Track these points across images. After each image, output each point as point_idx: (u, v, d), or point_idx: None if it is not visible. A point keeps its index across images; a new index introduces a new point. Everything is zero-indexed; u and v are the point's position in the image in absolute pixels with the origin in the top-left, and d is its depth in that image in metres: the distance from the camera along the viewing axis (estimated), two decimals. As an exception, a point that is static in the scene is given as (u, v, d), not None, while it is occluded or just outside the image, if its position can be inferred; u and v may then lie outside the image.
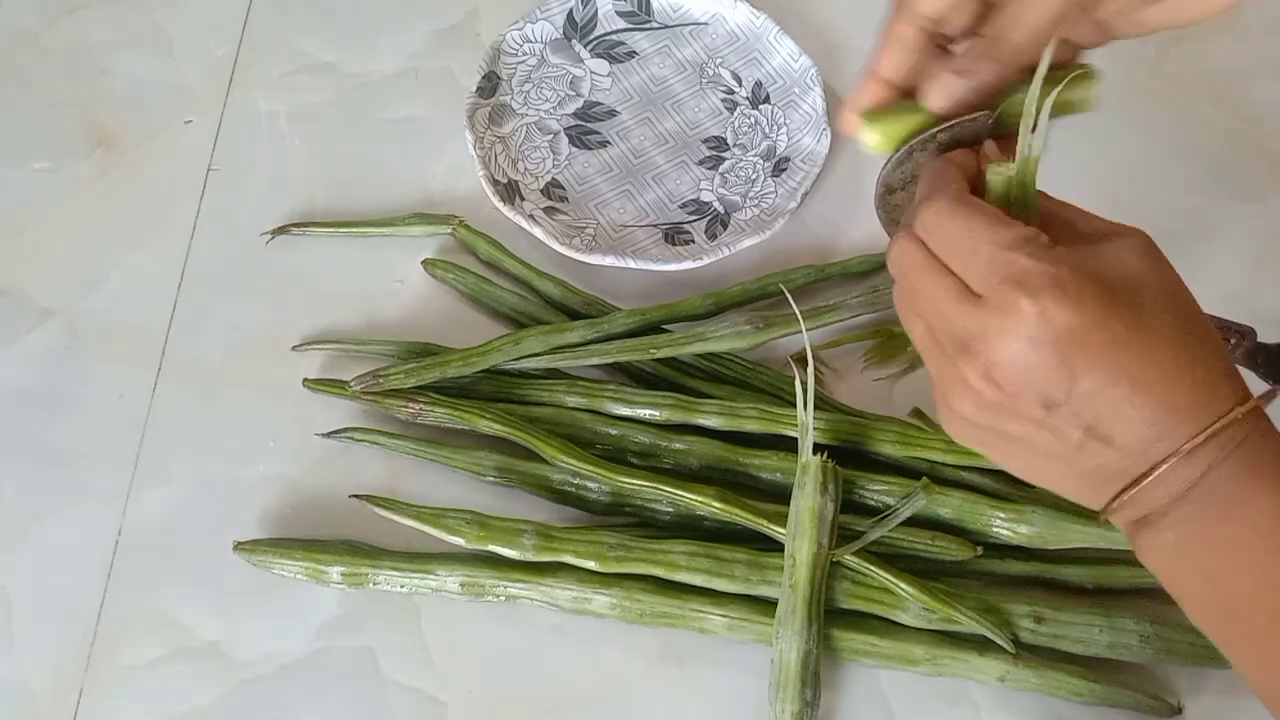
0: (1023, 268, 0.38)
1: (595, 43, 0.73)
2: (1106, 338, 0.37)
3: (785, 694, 0.52)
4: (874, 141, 0.46)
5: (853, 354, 0.63)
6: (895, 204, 0.48)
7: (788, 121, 0.70)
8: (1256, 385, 0.56)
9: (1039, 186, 0.43)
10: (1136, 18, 0.44)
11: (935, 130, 0.44)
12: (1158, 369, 0.38)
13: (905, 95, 0.45)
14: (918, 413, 0.60)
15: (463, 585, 0.55)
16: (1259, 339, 0.56)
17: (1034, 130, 0.41)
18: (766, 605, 0.54)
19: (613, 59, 0.73)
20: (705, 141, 0.70)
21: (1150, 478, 0.39)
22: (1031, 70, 0.43)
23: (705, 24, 0.73)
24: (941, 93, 0.43)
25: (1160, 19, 0.44)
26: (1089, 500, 0.42)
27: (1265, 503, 0.38)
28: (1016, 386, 0.39)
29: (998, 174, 0.42)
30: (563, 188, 0.68)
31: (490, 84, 0.70)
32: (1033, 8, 0.41)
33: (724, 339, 0.60)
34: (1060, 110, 0.44)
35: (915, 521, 0.55)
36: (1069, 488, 0.42)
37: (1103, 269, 0.39)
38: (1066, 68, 0.44)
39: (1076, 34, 0.46)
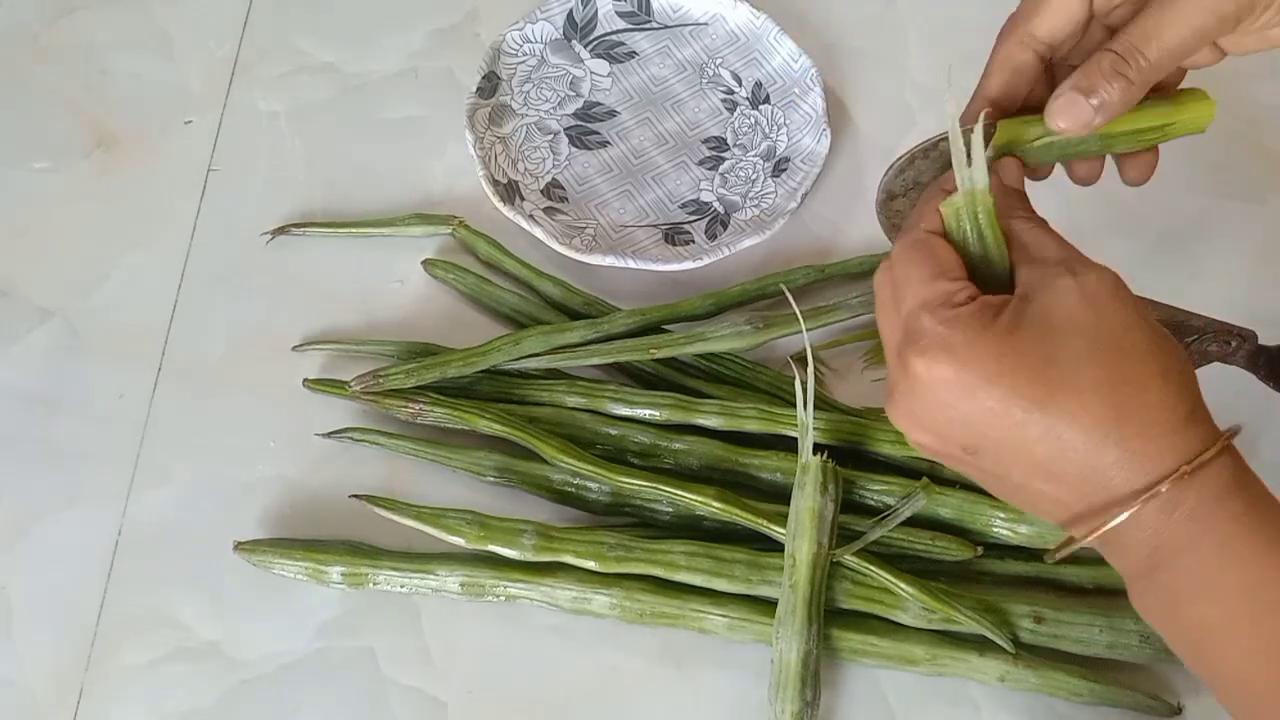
0: (920, 328, 0.39)
1: (595, 43, 0.73)
2: (1003, 392, 0.37)
3: (785, 694, 0.52)
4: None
5: (853, 354, 0.63)
6: (896, 210, 0.48)
7: (788, 122, 0.70)
8: (1256, 390, 0.57)
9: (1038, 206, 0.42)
10: (1266, 33, 0.43)
11: (938, 138, 0.44)
12: (1073, 422, 0.37)
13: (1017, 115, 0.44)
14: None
15: (463, 585, 0.55)
16: (1260, 341, 0.56)
17: (970, 163, 0.40)
18: (766, 605, 0.54)
19: (613, 59, 0.73)
20: (705, 142, 0.70)
21: (1088, 538, 0.38)
22: (1159, 89, 0.41)
23: (705, 24, 0.73)
24: (1068, 115, 0.41)
25: None
26: (1079, 536, 0.41)
27: (1233, 579, 0.37)
28: (935, 435, 0.40)
29: (948, 205, 0.41)
30: (563, 188, 0.68)
31: (490, 84, 0.70)
32: (1174, 23, 0.39)
33: (724, 339, 0.60)
34: (1175, 131, 0.43)
35: (915, 521, 0.55)
36: (1051, 521, 0.41)
37: (1020, 320, 0.38)
38: (1173, 89, 0.43)
39: (1196, 55, 0.44)
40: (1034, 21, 0.43)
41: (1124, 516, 0.37)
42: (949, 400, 0.38)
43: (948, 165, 0.45)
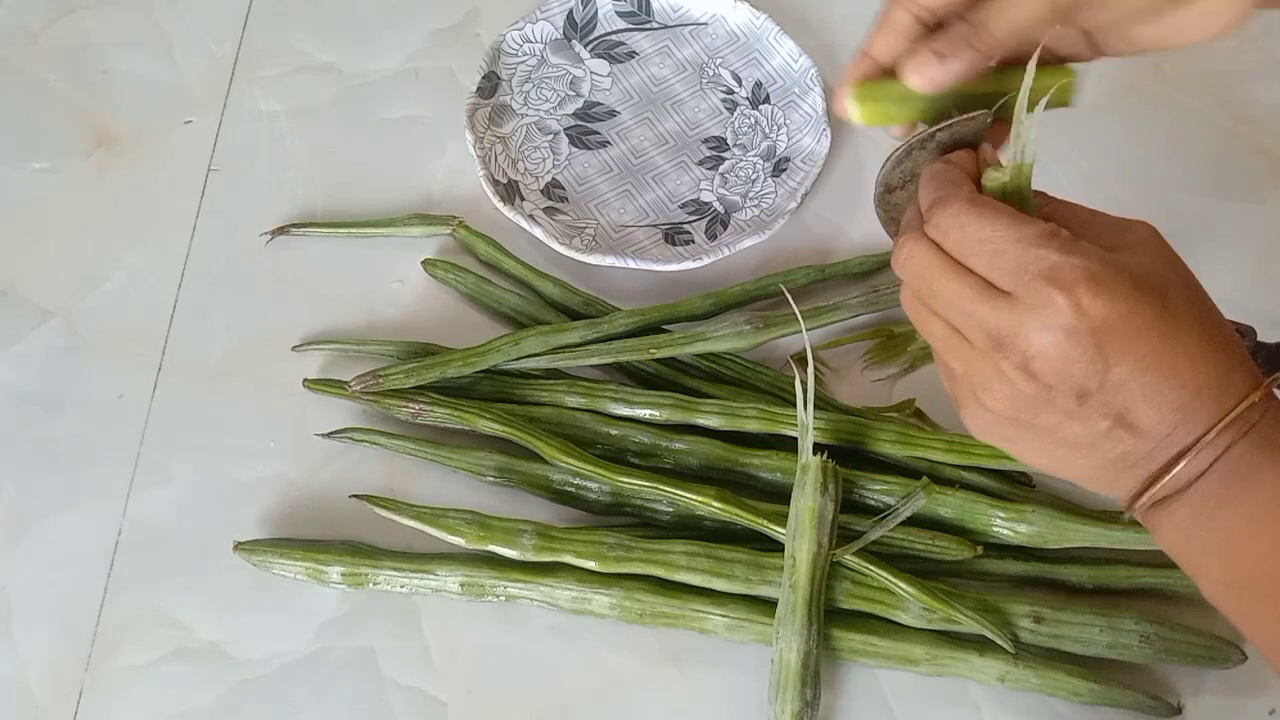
0: (1054, 263, 0.38)
1: (595, 43, 0.73)
2: (1138, 325, 0.38)
3: (785, 694, 0.52)
4: (858, 114, 0.46)
5: (853, 354, 0.63)
6: (894, 202, 0.48)
7: (788, 121, 0.70)
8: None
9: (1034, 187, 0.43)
10: (1128, 34, 0.45)
11: (934, 129, 0.44)
12: (1184, 355, 0.39)
13: (892, 75, 0.46)
14: (916, 411, 0.60)
15: (463, 585, 0.55)
16: (1259, 338, 0.56)
17: (1024, 136, 0.41)
18: (766, 605, 0.54)
19: (613, 59, 0.73)
20: (705, 142, 0.70)
21: (1180, 464, 0.39)
22: (1010, 63, 0.44)
23: (705, 24, 0.73)
24: (918, 72, 0.43)
25: (1152, 39, 0.45)
26: (1106, 487, 0.42)
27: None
28: (1054, 378, 0.39)
29: (994, 179, 0.42)
30: (563, 188, 0.68)
31: (490, 84, 0.70)
32: (1017, 5, 0.42)
33: (724, 339, 0.60)
34: (1044, 102, 0.44)
35: (915, 521, 0.55)
36: (1089, 475, 0.42)
37: (1126, 260, 0.39)
38: (1048, 67, 0.45)
39: (1065, 46, 0.47)
40: None
41: (1226, 421, 0.39)
42: (1088, 333, 0.38)
43: (946, 155, 0.45)
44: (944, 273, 0.41)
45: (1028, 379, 0.39)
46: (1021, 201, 0.42)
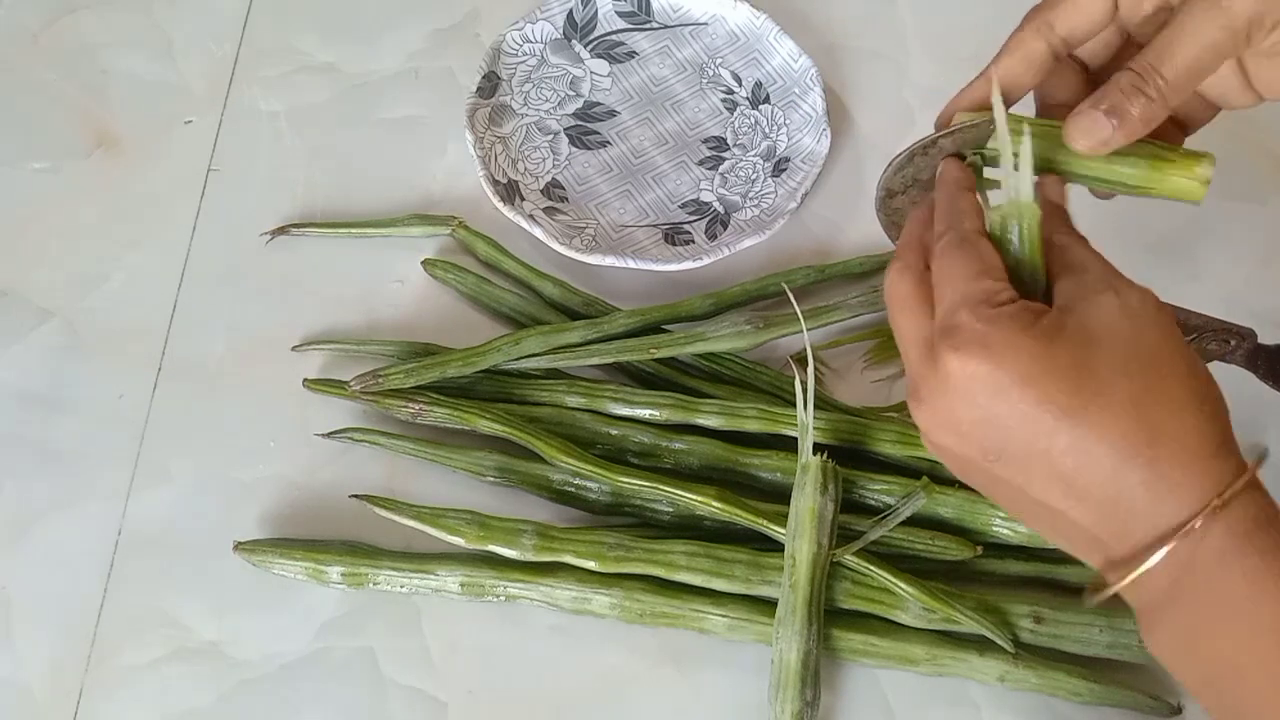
0: (958, 323, 0.38)
1: (595, 43, 0.73)
2: (1036, 396, 0.36)
3: (785, 694, 0.52)
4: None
5: (853, 354, 0.63)
6: (896, 208, 0.48)
7: (788, 121, 0.70)
8: (1255, 389, 0.57)
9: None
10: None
11: (938, 135, 0.44)
12: (1102, 437, 0.36)
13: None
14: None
15: (463, 585, 0.55)
16: (1259, 340, 0.56)
17: (1017, 169, 0.39)
18: (766, 605, 0.54)
19: (613, 59, 0.73)
20: (705, 141, 0.70)
21: (1125, 578, 0.37)
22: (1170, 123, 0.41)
23: (705, 24, 0.73)
24: (1089, 134, 0.40)
25: None
26: (1091, 564, 0.40)
27: (1261, 615, 0.36)
28: (958, 437, 0.39)
29: (995, 211, 0.40)
30: (563, 188, 0.68)
31: (490, 84, 0.70)
32: (1187, 37, 0.39)
33: (724, 339, 0.60)
34: (1166, 194, 0.43)
35: (915, 521, 0.55)
36: (1062, 545, 0.41)
37: (1060, 327, 0.37)
38: (1180, 150, 0.42)
39: (1220, 91, 0.44)
40: (1055, 13, 0.43)
41: (1162, 554, 0.36)
42: (980, 399, 0.37)
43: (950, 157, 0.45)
44: (903, 308, 0.41)
45: (936, 435, 0.40)
46: (1022, 241, 0.40)
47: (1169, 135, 0.45)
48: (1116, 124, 0.40)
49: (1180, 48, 0.39)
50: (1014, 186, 0.40)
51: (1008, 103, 0.44)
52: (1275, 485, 0.39)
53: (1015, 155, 0.39)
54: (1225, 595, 0.36)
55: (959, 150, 0.44)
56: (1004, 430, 0.37)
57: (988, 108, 0.42)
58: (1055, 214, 0.42)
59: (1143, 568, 0.37)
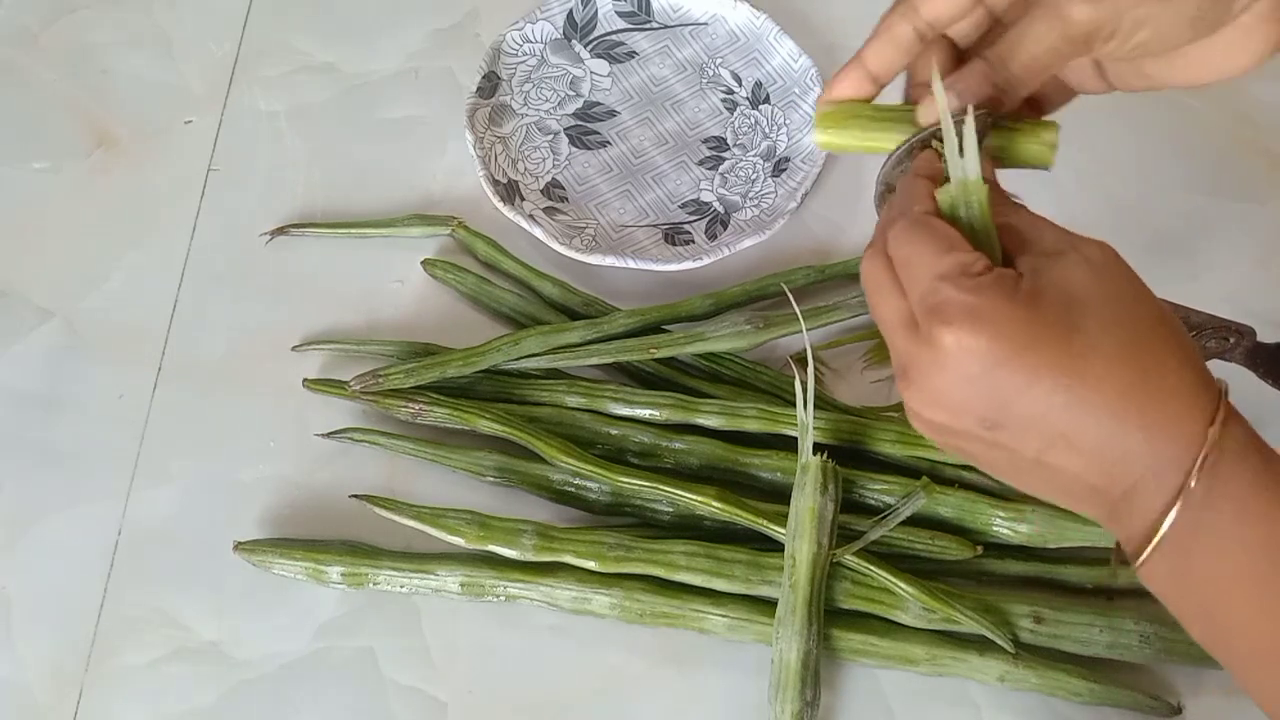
0: (944, 298, 0.38)
1: (595, 43, 0.73)
2: (1033, 361, 0.37)
3: (785, 694, 0.52)
4: (821, 140, 0.46)
5: (853, 354, 0.63)
6: None
7: (788, 121, 0.70)
8: (1255, 387, 0.57)
9: (1029, 191, 0.43)
10: (1143, 69, 0.44)
11: (934, 130, 0.44)
12: (1097, 388, 0.37)
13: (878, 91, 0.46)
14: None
15: (463, 585, 0.55)
16: (1259, 339, 0.56)
17: (962, 153, 0.40)
18: (766, 605, 0.54)
19: (613, 59, 0.73)
20: (705, 141, 0.70)
21: (1135, 503, 0.38)
22: (1026, 103, 0.43)
23: (705, 24, 0.73)
24: (932, 111, 0.43)
25: (1167, 76, 0.44)
26: (1085, 512, 0.41)
27: (1251, 534, 0.37)
28: (952, 412, 0.39)
29: (943, 193, 0.41)
30: (563, 188, 0.68)
31: (490, 84, 0.70)
32: (1030, 40, 0.41)
33: (724, 339, 0.60)
34: (1018, 163, 0.44)
35: (915, 521, 0.55)
36: (1059, 500, 0.41)
37: (1039, 291, 0.38)
38: (1030, 120, 0.45)
39: (1077, 79, 0.46)
40: None
41: (1173, 515, 0.37)
42: (977, 371, 0.38)
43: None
44: (880, 292, 0.41)
45: (930, 409, 0.40)
46: (977, 220, 0.41)
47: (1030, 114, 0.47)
48: (964, 107, 0.42)
49: (1024, 49, 0.41)
50: (960, 167, 0.41)
51: (879, 84, 0.46)
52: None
53: (959, 138, 0.40)
54: (1215, 522, 0.37)
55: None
56: (1003, 398, 0.38)
57: (857, 93, 0.45)
58: (995, 192, 0.43)
59: (1161, 531, 0.38)
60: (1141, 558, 0.39)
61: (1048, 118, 0.46)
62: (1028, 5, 0.43)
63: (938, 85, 0.41)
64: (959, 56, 0.46)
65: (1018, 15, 0.44)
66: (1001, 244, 0.41)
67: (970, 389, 0.38)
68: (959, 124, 0.40)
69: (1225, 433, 0.37)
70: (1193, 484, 0.37)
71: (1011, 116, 0.44)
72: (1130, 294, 0.39)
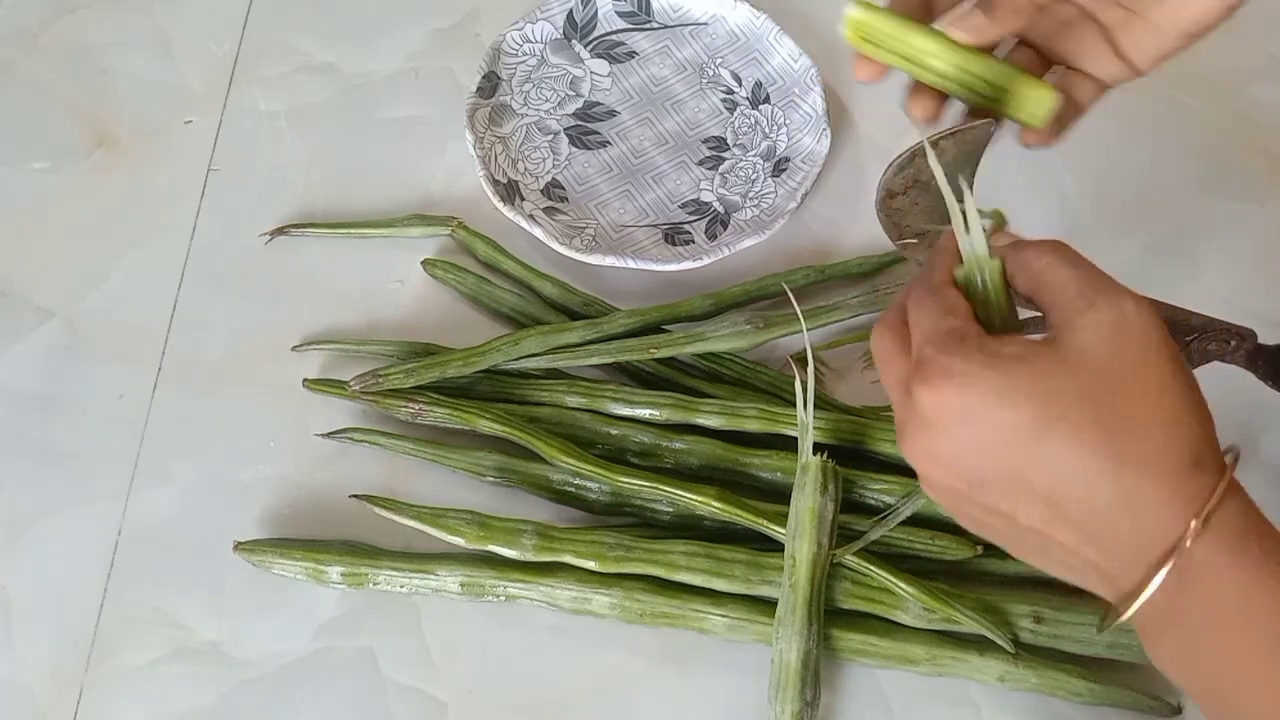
0: (925, 358, 0.39)
1: (595, 43, 0.73)
2: (1005, 417, 0.37)
3: (785, 694, 0.52)
4: (849, 30, 0.46)
5: (853, 354, 0.63)
6: (896, 208, 0.48)
7: (788, 121, 0.70)
8: (1255, 389, 0.57)
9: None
10: (1161, 33, 0.45)
11: (937, 136, 0.44)
12: (1075, 455, 0.36)
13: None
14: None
15: (463, 585, 0.55)
16: (1259, 340, 0.56)
17: (967, 230, 0.41)
18: (766, 605, 0.54)
19: (613, 59, 0.73)
20: (705, 141, 0.70)
21: (1128, 606, 0.38)
22: (1027, 43, 0.44)
23: (705, 24, 0.73)
24: (967, 25, 0.44)
25: (1162, 18, 0.44)
26: (1096, 591, 0.41)
27: (1258, 623, 0.36)
28: (943, 468, 0.39)
29: (959, 271, 0.42)
30: (563, 188, 0.68)
31: (490, 84, 0.70)
32: None
33: (724, 339, 0.60)
34: (1014, 111, 0.45)
35: (915, 521, 0.55)
36: (1068, 576, 0.41)
37: (1029, 356, 0.38)
38: (1032, 79, 0.45)
39: (1097, 65, 0.47)
40: None
41: (1160, 577, 0.36)
42: (952, 428, 0.38)
43: (949, 164, 0.45)
44: (884, 359, 0.42)
45: (926, 467, 0.40)
46: (989, 293, 0.41)
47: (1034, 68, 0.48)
48: (987, 14, 0.43)
49: None
50: (969, 244, 0.41)
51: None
52: (1275, 482, 0.39)
53: (963, 214, 0.41)
54: (1219, 607, 0.36)
55: (960, 152, 0.44)
56: (980, 456, 0.38)
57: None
58: (1016, 249, 0.42)
59: (1144, 595, 0.37)
60: (1126, 615, 0.38)
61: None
62: None
63: (936, 166, 0.41)
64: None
65: None
66: (1034, 295, 0.41)
67: (949, 446, 0.39)
68: (962, 202, 0.41)
69: (1221, 516, 0.36)
70: (1167, 567, 0.36)
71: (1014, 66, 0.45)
72: (1134, 362, 0.37)
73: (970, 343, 0.38)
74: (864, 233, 0.67)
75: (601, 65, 0.73)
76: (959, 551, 0.55)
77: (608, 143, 0.70)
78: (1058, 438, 0.37)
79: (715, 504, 0.54)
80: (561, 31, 0.72)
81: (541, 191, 0.68)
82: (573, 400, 0.60)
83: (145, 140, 0.70)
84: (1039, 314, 0.41)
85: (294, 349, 0.63)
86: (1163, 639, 0.38)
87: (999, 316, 0.41)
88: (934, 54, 0.44)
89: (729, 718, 0.54)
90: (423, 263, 0.65)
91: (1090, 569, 0.39)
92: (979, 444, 0.38)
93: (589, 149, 0.70)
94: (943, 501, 0.42)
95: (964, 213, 0.41)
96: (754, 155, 0.70)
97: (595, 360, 0.60)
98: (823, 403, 0.59)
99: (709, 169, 0.69)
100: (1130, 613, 0.38)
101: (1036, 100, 0.45)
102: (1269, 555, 0.36)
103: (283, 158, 0.70)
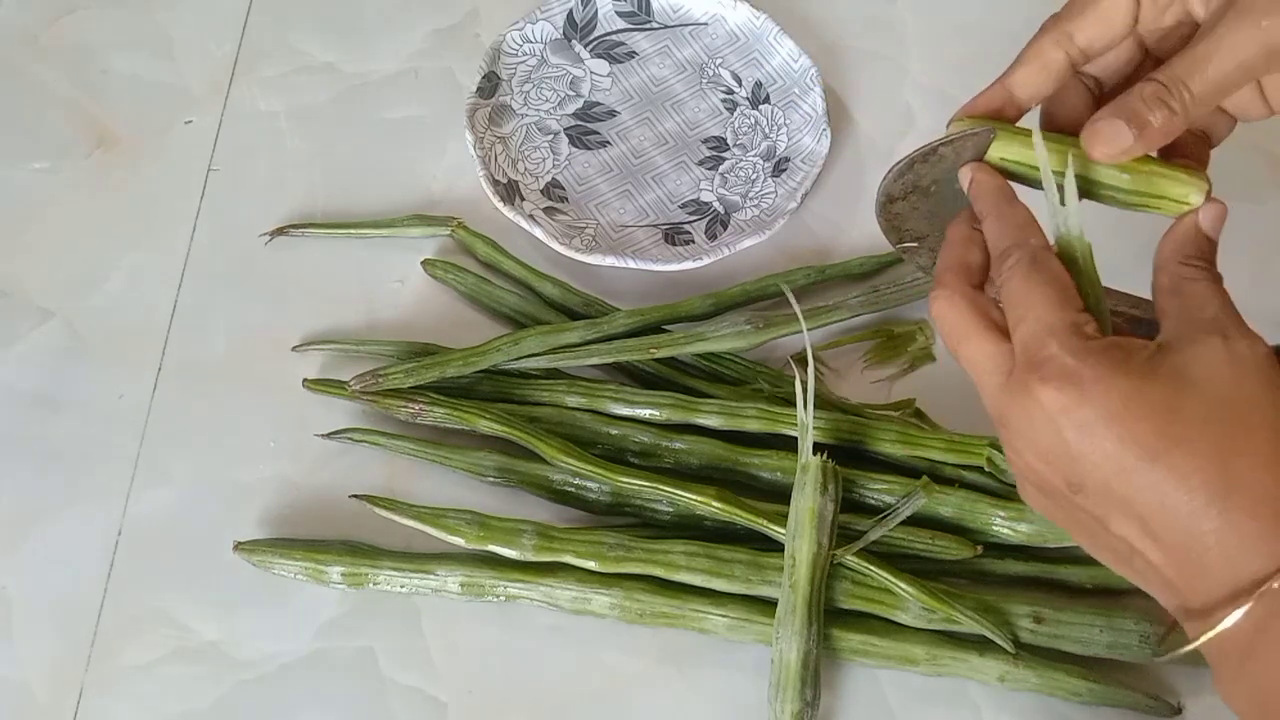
0: (1047, 355, 0.38)
1: (595, 43, 0.73)
2: (1121, 433, 0.36)
3: (785, 694, 0.52)
4: (997, 155, 0.44)
5: (853, 354, 0.63)
6: (896, 212, 0.48)
7: (788, 121, 0.70)
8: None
9: None
10: None
11: (939, 143, 0.44)
12: (1181, 482, 0.36)
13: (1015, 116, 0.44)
14: (916, 411, 0.60)
15: (463, 585, 0.55)
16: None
17: (1064, 203, 0.39)
18: (766, 605, 0.54)
19: (613, 59, 0.73)
20: (705, 141, 0.70)
21: (1201, 634, 0.37)
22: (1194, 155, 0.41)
23: (705, 24, 0.73)
24: (1110, 142, 0.40)
25: None
26: (1165, 605, 0.40)
27: None
28: (1046, 464, 0.39)
29: (1061, 238, 0.40)
30: (563, 188, 0.68)
31: (490, 84, 0.70)
32: (1225, 52, 0.39)
33: (724, 339, 0.60)
34: (1154, 209, 0.42)
35: (915, 521, 0.55)
36: (1137, 582, 0.40)
37: (1158, 368, 0.37)
38: (1182, 168, 0.42)
39: (1238, 104, 0.44)
40: (1075, 22, 0.43)
41: (1239, 613, 0.36)
42: (1066, 433, 0.37)
43: (948, 170, 0.45)
44: (969, 338, 0.40)
45: (1025, 459, 0.39)
46: (1079, 271, 0.40)
47: (1194, 149, 0.44)
48: (1137, 133, 0.40)
49: (1214, 63, 0.39)
50: (1062, 220, 0.40)
51: (1021, 110, 0.44)
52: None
53: (1060, 189, 0.39)
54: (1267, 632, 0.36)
55: (958, 159, 0.44)
56: (1087, 464, 0.37)
57: (996, 115, 0.43)
58: (1194, 242, 0.41)
59: (1220, 626, 0.36)
60: (1200, 642, 0.37)
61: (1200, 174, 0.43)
62: (1184, 38, 0.41)
63: (1038, 137, 0.40)
64: (1099, 98, 0.44)
65: (1169, 48, 0.42)
66: (1160, 310, 0.40)
67: (1059, 447, 0.38)
68: (1059, 173, 0.39)
69: None
70: (1247, 606, 0.35)
71: (1167, 161, 0.42)
72: (1257, 397, 0.37)
73: (1097, 346, 0.37)
74: (864, 233, 0.67)
75: (601, 65, 0.73)
76: (959, 551, 0.55)
77: (608, 143, 0.70)
78: (1171, 462, 0.36)
79: (715, 504, 0.54)
80: (561, 31, 0.72)
81: (541, 191, 0.68)
82: (573, 400, 0.60)
83: (145, 140, 0.70)
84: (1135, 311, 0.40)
85: (294, 349, 0.63)
86: (1240, 679, 0.37)
87: (1091, 294, 0.40)
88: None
89: (729, 718, 0.54)
90: (423, 263, 0.65)
91: (1165, 585, 0.38)
92: (1090, 454, 0.37)
93: (589, 149, 0.70)
94: (1029, 492, 0.41)
95: (1061, 189, 0.39)
96: (754, 155, 0.70)
97: (595, 360, 0.60)
98: (823, 402, 0.59)
99: (709, 169, 0.69)
100: (1204, 639, 0.37)
101: (1181, 196, 0.42)
102: None
103: (283, 158, 0.70)
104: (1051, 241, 0.41)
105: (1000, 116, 0.44)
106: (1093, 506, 0.38)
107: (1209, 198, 0.42)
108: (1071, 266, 0.40)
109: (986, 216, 0.42)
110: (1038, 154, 0.40)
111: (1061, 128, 0.44)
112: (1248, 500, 0.36)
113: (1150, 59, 0.45)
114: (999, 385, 0.40)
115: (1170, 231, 0.41)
